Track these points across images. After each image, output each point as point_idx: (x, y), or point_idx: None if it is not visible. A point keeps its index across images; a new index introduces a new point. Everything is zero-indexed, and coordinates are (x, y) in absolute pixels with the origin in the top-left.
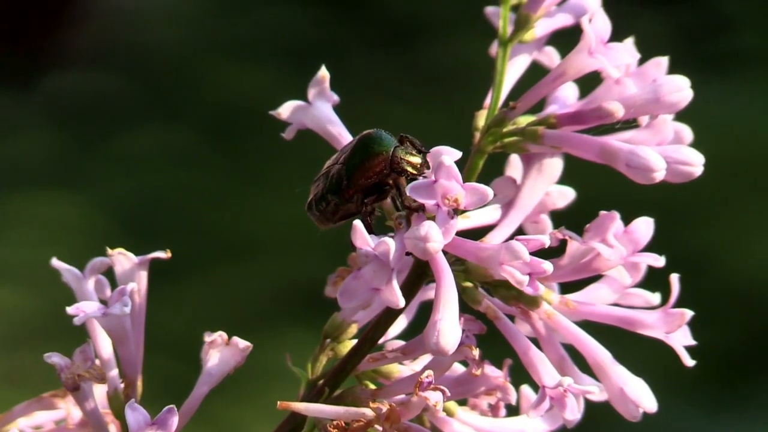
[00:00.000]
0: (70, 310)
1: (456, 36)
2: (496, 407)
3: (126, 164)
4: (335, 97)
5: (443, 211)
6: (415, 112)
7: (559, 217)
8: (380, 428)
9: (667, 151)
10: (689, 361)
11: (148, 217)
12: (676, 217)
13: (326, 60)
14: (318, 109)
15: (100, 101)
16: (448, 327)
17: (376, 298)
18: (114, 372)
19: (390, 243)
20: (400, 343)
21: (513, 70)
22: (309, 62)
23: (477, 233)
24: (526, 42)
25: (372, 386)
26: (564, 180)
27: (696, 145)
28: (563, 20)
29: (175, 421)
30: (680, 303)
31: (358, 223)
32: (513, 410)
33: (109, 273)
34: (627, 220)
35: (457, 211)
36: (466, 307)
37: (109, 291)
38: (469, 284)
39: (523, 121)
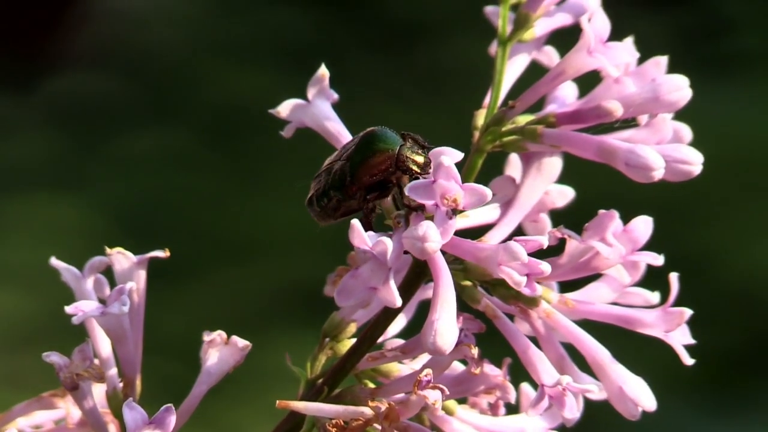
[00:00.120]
0: (68, 309)
1: (456, 37)
2: (496, 406)
3: (125, 165)
4: (335, 96)
5: (442, 211)
6: (415, 113)
7: (559, 217)
8: (379, 427)
9: (666, 149)
10: (688, 360)
11: (147, 219)
12: (676, 217)
13: (326, 61)
14: (317, 108)
15: (100, 103)
16: (446, 326)
17: (375, 297)
18: (113, 371)
19: (387, 242)
20: (400, 341)
21: (512, 69)
22: (309, 63)
23: (476, 232)
24: (526, 41)
25: (371, 385)
26: (564, 180)
27: (696, 146)
28: (562, 19)
29: (172, 420)
30: (680, 303)
31: (355, 222)
32: (513, 409)
33: (108, 272)
34: (626, 220)
35: (455, 212)
36: (465, 305)
37: (108, 290)
38: (468, 283)
39: (523, 120)
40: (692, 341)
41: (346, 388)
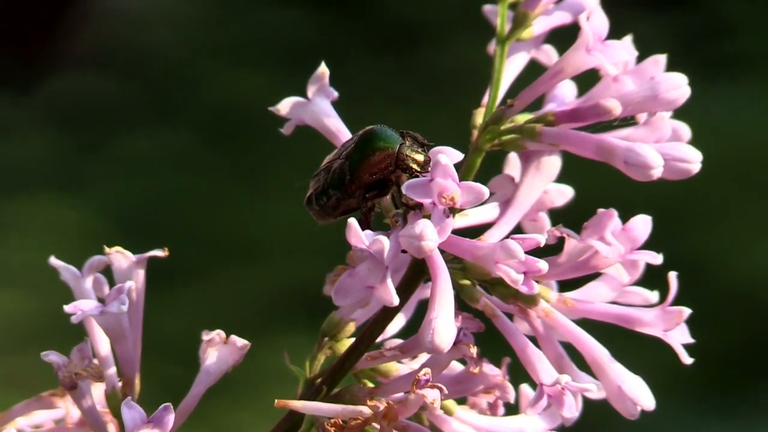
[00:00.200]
0: (67, 308)
1: (456, 38)
2: (495, 405)
3: (125, 166)
4: (335, 93)
5: (439, 209)
6: (415, 115)
7: (558, 216)
8: (378, 426)
9: (665, 148)
10: (687, 359)
11: (147, 220)
12: (676, 218)
13: (326, 62)
14: (317, 105)
15: (100, 103)
16: (444, 325)
17: (373, 296)
18: (112, 370)
19: (384, 241)
20: (399, 341)
21: (511, 67)
22: (308, 64)
23: (475, 231)
24: (524, 40)
25: (370, 384)
26: (564, 179)
27: (696, 146)
28: (561, 18)
29: (171, 419)
30: (679, 304)
31: (352, 221)
32: (512, 409)
33: (107, 272)
34: (626, 220)
35: (453, 210)
36: (464, 305)
37: (107, 289)
38: (466, 282)
39: (521, 118)
40: (691, 340)
41: (345, 388)
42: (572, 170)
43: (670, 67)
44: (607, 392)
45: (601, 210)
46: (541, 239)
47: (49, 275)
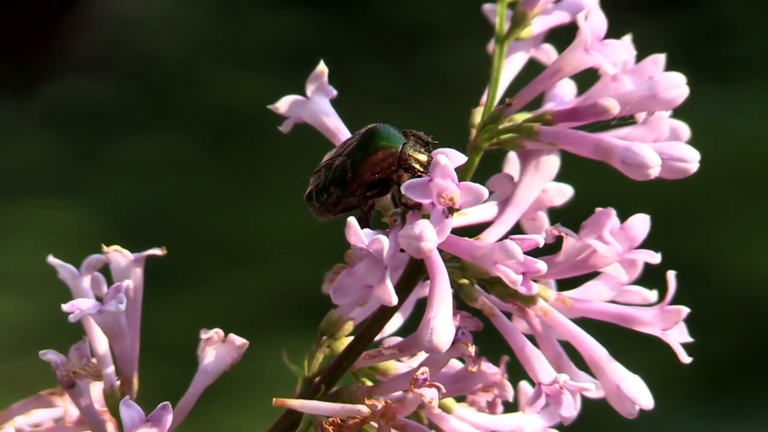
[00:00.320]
0: (65, 307)
1: (457, 42)
2: (494, 404)
3: (124, 169)
4: (333, 92)
5: (438, 210)
6: (416, 117)
7: (558, 215)
8: (376, 425)
9: (663, 147)
10: (686, 358)
11: (146, 224)
12: (676, 220)
13: (326, 65)
14: (316, 104)
15: (99, 108)
16: (442, 325)
17: (371, 295)
18: (110, 369)
19: (384, 241)
20: (397, 339)
21: (510, 67)
22: (309, 67)
23: (474, 230)
24: (523, 39)
25: (369, 383)
26: (564, 180)
27: (696, 148)
28: (560, 17)
29: (169, 418)
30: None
31: (352, 220)
32: (512, 407)
33: (105, 271)
34: (625, 220)
35: (452, 210)
36: (462, 304)
37: (106, 288)
38: (465, 281)
39: (520, 117)
40: (690, 339)
41: (344, 386)
42: (572, 170)
43: (669, 68)
44: (606, 391)
45: (599, 209)
46: (540, 240)
47: (49, 278)
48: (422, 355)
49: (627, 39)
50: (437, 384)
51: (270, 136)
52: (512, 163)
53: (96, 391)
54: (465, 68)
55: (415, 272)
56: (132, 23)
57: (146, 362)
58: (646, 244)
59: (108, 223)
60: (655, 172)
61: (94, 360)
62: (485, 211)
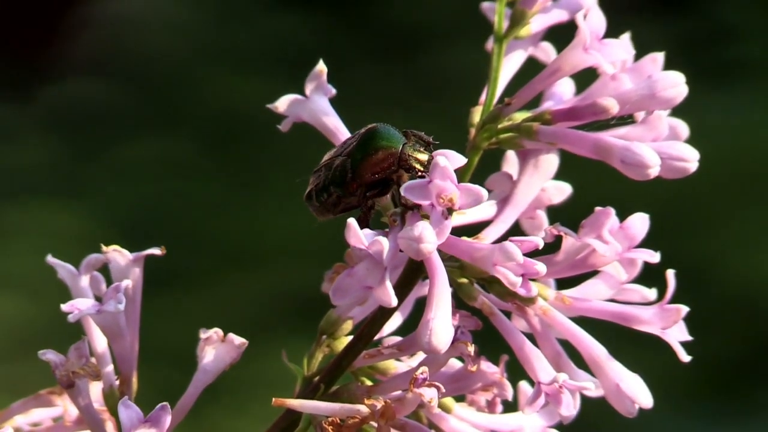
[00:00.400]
0: (64, 307)
1: (457, 45)
2: (493, 403)
3: (124, 172)
4: (333, 91)
5: (437, 211)
6: (416, 119)
7: (557, 214)
8: (375, 425)
9: (662, 147)
10: (685, 357)
11: (146, 226)
12: (676, 222)
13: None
14: (315, 103)
15: (100, 110)
16: (441, 326)
17: (371, 295)
18: (109, 369)
19: (384, 242)
20: (397, 339)
21: (509, 66)
22: (309, 70)
23: (473, 229)
24: (522, 38)
25: (368, 382)
26: (563, 179)
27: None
28: (559, 16)
29: (168, 418)
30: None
31: (351, 221)
32: (511, 407)
33: (105, 271)
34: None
35: (451, 211)
36: (461, 303)
37: (105, 288)
38: (464, 280)
39: (519, 117)
40: (689, 338)
41: (343, 386)
42: (571, 169)
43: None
44: (606, 390)
45: (598, 208)
46: (540, 242)
47: (49, 281)
48: (422, 355)
49: (626, 38)
50: (437, 383)
51: (270, 138)
52: (511, 161)
53: (95, 390)
54: (465, 70)
55: (414, 271)
56: (132, 24)
57: (145, 362)
58: (646, 244)
59: (108, 224)
60: (654, 171)
61: (93, 360)
62: (484, 210)
